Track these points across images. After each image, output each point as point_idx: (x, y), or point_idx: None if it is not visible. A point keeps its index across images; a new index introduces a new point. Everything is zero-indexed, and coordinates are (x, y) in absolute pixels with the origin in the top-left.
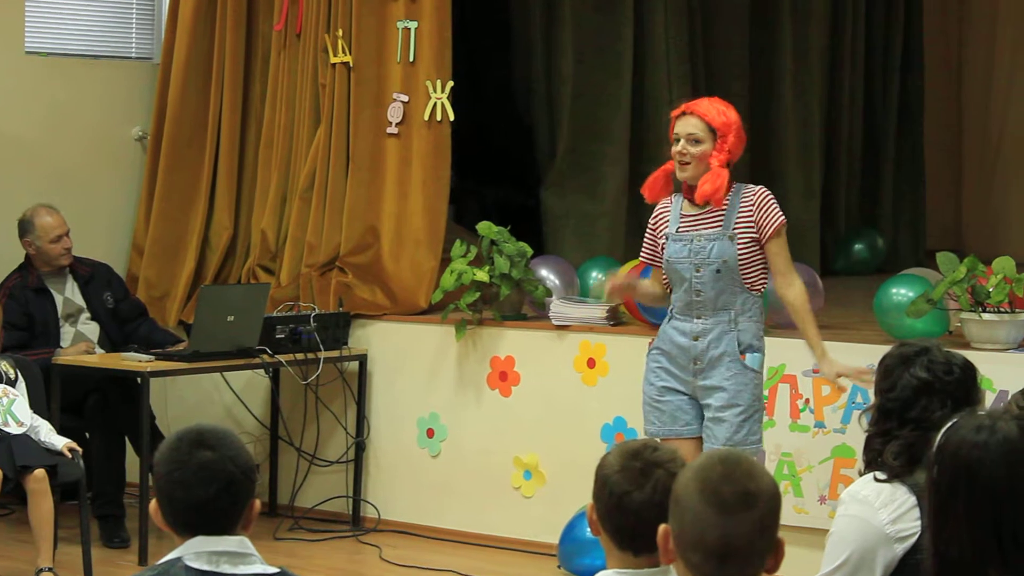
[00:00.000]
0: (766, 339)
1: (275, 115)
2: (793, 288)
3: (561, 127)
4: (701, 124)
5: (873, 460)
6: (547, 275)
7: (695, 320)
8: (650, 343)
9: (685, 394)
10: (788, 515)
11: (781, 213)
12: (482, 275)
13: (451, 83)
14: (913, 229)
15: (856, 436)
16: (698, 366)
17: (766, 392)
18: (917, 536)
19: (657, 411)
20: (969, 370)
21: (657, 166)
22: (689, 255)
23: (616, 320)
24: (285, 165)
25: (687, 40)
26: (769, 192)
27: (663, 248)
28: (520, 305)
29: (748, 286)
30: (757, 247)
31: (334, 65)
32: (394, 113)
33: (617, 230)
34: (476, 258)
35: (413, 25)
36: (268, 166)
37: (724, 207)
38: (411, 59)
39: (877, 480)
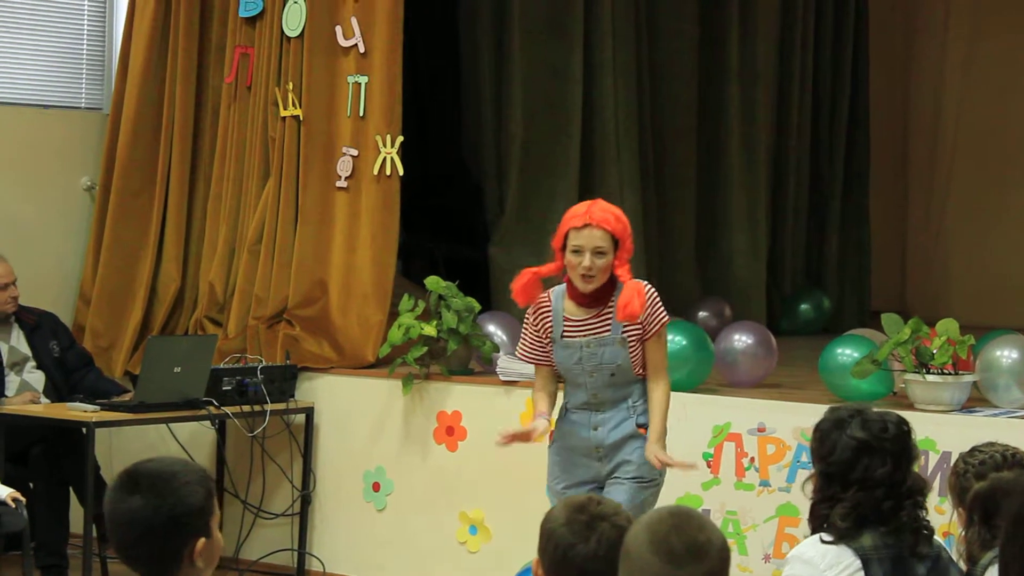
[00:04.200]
0: (713, 397)
1: (224, 167)
2: (661, 387)
3: (509, 183)
4: (606, 236)
5: (819, 527)
6: (494, 331)
7: (594, 414)
8: (550, 437)
9: (590, 483)
10: (733, 573)
11: (665, 313)
12: (430, 330)
13: (401, 138)
14: (858, 290)
15: (801, 495)
16: (600, 452)
17: (711, 450)
18: None
19: None
20: (903, 425)
21: None
22: (580, 362)
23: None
24: (234, 217)
25: (635, 100)
26: (653, 289)
27: (550, 348)
28: (467, 360)
29: (641, 376)
30: (643, 345)
31: (284, 118)
32: (343, 167)
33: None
34: (424, 313)
35: (364, 80)
36: (217, 218)
37: (609, 308)
38: (361, 114)
39: (823, 542)
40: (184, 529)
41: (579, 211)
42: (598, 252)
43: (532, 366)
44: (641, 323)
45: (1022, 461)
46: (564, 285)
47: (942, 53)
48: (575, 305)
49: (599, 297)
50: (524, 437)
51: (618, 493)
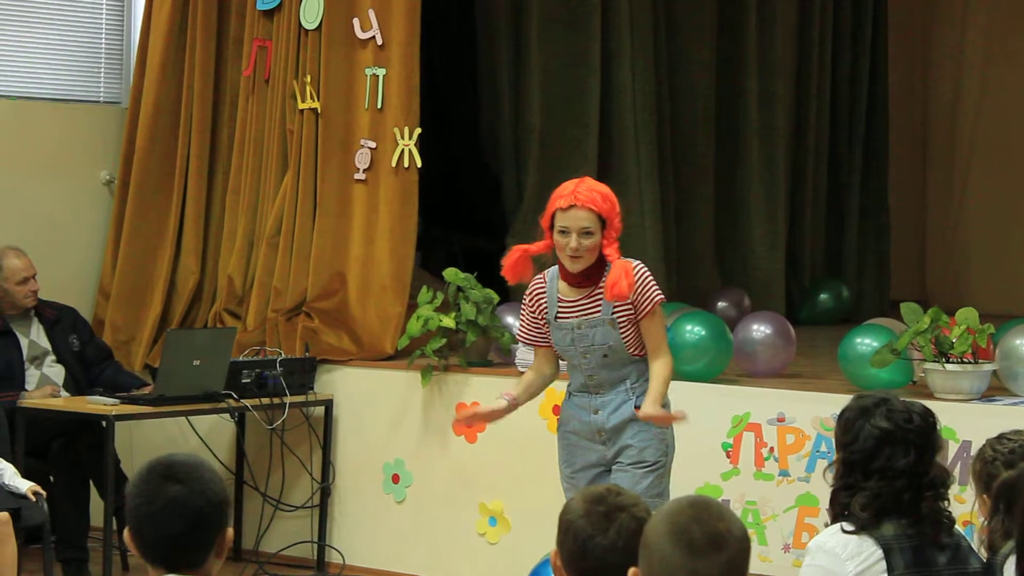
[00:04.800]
0: (732, 387)
1: (243, 160)
2: (661, 361)
3: (528, 174)
4: (592, 216)
5: (840, 514)
6: (513, 322)
7: (594, 396)
8: (558, 422)
9: (598, 466)
10: (753, 563)
11: (658, 290)
12: (448, 321)
13: (419, 130)
14: (877, 279)
15: (820, 485)
16: (603, 436)
17: (731, 440)
18: None
19: (572, 488)
20: (928, 417)
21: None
22: (573, 343)
23: None
24: (252, 210)
25: (653, 90)
26: (644, 268)
27: (546, 330)
28: (486, 351)
29: (638, 357)
30: (637, 325)
31: (302, 111)
32: (362, 159)
33: None
34: (442, 304)
35: (381, 72)
36: (235, 211)
37: (600, 289)
38: (379, 106)
39: (844, 531)
40: (222, 517)
41: (565, 191)
42: (585, 233)
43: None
44: (632, 303)
45: None
46: (558, 267)
47: (961, 41)
48: (567, 286)
49: (589, 276)
50: (479, 420)
51: (621, 480)
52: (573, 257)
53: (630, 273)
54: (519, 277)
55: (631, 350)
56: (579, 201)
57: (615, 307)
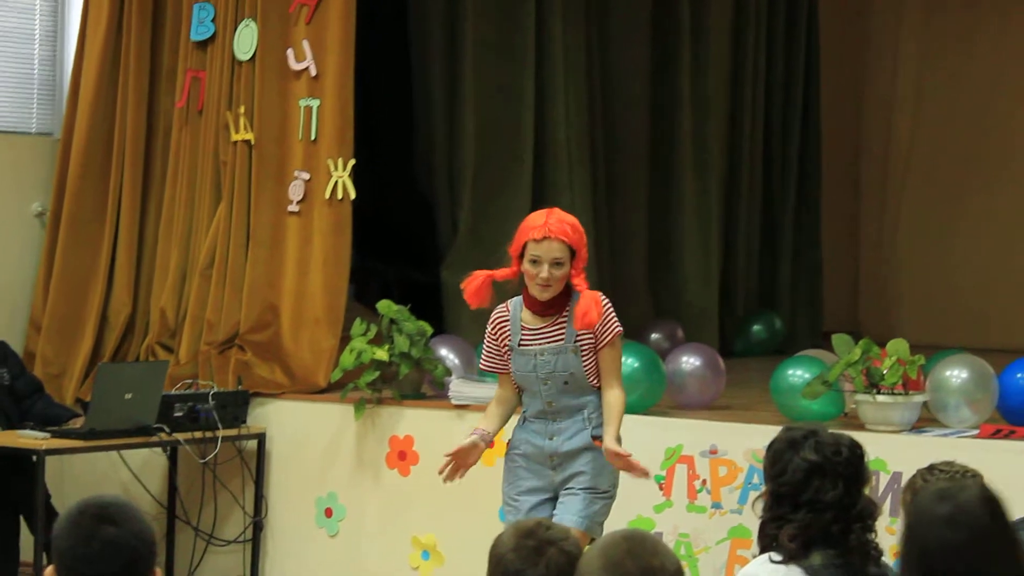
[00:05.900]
0: (665, 419)
1: (176, 192)
2: (614, 392)
3: (462, 207)
4: (563, 247)
5: (768, 546)
6: (447, 354)
7: (551, 422)
8: (507, 445)
9: (543, 491)
10: None
11: (618, 322)
12: (382, 354)
13: (353, 161)
14: (810, 311)
15: (753, 517)
16: (555, 461)
17: (664, 473)
18: None
19: (515, 511)
20: (857, 449)
21: None
22: (534, 369)
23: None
24: (185, 242)
25: (587, 124)
26: (606, 300)
27: (508, 357)
28: (419, 384)
29: (597, 387)
30: (597, 354)
31: (235, 142)
32: (295, 191)
33: None
34: (376, 337)
35: (315, 103)
36: (168, 242)
37: (564, 317)
38: (313, 137)
39: (772, 561)
40: (153, 557)
41: (537, 222)
42: (556, 263)
43: (485, 392)
44: (595, 332)
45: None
46: (522, 295)
47: (893, 78)
48: (531, 314)
49: (554, 305)
50: (463, 457)
51: (572, 502)
52: (543, 286)
53: (599, 304)
54: (481, 302)
55: (591, 379)
56: (552, 233)
57: (578, 335)
